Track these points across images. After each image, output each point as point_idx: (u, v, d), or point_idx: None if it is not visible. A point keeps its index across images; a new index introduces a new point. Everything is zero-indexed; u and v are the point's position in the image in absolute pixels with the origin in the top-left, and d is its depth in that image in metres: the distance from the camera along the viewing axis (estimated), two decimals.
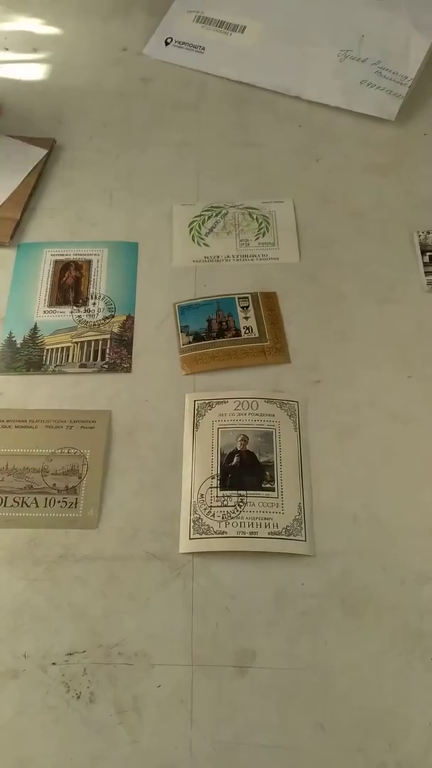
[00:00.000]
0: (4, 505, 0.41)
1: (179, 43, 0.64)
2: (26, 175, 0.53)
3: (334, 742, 0.34)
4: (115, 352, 0.47)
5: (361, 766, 0.34)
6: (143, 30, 0.66)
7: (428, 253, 0.51)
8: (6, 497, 0.41)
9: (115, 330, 0.48)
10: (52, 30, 0.67)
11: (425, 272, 0.50)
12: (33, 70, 0.64)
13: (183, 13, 0.65)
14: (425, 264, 0.50)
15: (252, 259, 0.51)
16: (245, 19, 0.63)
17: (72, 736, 0.35)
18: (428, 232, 0.52)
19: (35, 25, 0.67)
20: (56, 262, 0.51)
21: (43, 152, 0.54)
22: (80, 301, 0.49)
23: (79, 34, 0.66)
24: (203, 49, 0.63)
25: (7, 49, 0.65)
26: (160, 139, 0.58)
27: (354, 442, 0.43)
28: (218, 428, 0.43)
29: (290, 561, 0.39)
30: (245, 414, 0.44)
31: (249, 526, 0.40)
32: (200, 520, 0.40)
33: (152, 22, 0.66)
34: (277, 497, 0.41)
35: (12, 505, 0.41)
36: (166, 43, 0.64)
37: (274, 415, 0.44)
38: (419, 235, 0.52)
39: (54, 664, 0.36)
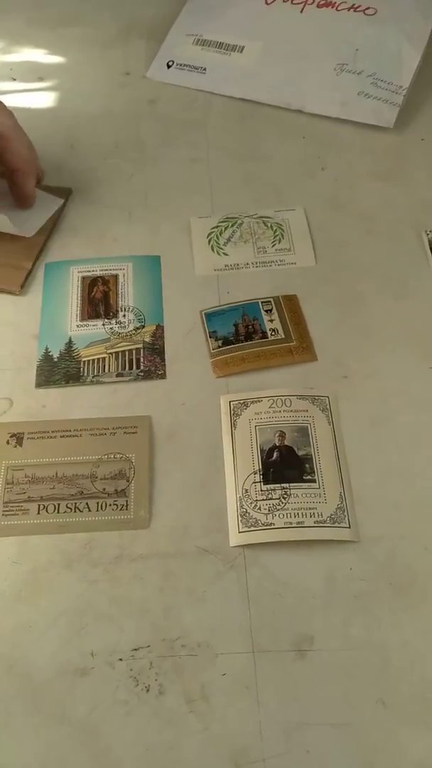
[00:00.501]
0: (58, 512, 0.42)
1: (180, 65, 0.67)
2: (42, 225, 0.54)
3: (396, 716, 0.36)
4: (149, 360, 0.49)
5: (424, 737, 0.35)
6: (144, 55, 0.69)
7: None
8: (59, 504, 0.42)
9: (147, 339, 0.50)
10: (56, 59, 0.69)
11: None
12: (41, 98, 0.66)
13: (182, 37, 0.68)
14: None
15: (270, 265, 0.54)
16: (243, 39, 0.66)
17: (145, 727, 0.36)
18: None
19: (39, 55, 0.70)
20: (83, 278, 0.53)
21: (60, 201, 0.56)
22: (111, 314, 0.51)
23: (82, 61, 0.69)
24: (204, 69, 0.66)
25: (14, 79, 0.68)
26: (171, 157, 0.60)
27: (385, 431, 0.45)
28: (255, 426, 0.45)
29: (337, 547, 0.41)
30: (280, 411, 0.46)
31: (295, 517, 0.41)
32: (247, 514, 0.42)
33: (152, 48, 0.69)
34: (319, 488, 0.42)
35: (65, 512, 0.42)
36: (168, 66, 0.67)
37: (307, 410, 0.46)
38: (427, 234, 0.55)
39: (121, 660, 0.38)
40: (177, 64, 0.67)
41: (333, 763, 0.35)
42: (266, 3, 0.68)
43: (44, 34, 0.72)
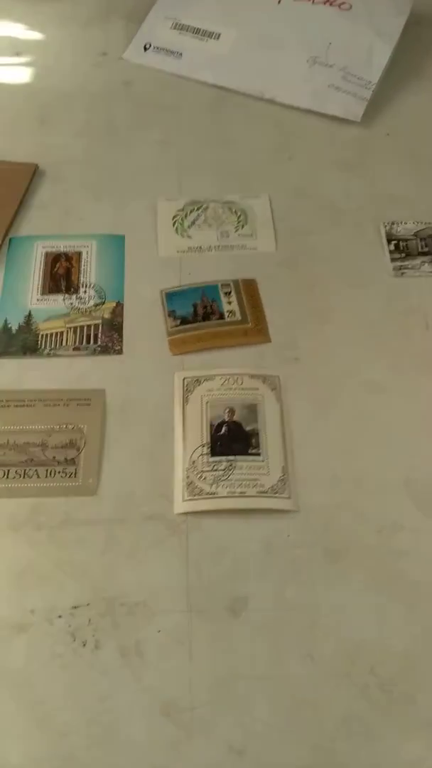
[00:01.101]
0: (7, 477, 0.43)
1: (157, 48, 0.68)
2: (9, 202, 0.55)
3: (322, 669, 0.38)
4: (106, 336, 0.50)
5: (347, 688, 0.38)
6: (122, 36, 0.70)
7: (393, 242, 0.55)
8: (8, 470, 0.44)
9: (106, 316, 0.51)
10: (35, 35, 0.70)
11: (391, 259, 0.55)
12: (16, 73, 0.67)
13: (161, 20, 0.69)
14: (391, 252, 0.55)
15: (232, 249, 0.55)
16: (220, 26, 0.67)
17: (80, 679, 0.38)
18: (392, 223, 0.56)
19: (18, 30, 0.70)
20: (47, 253, 0.54)
21: (26, 180, 0.56)
22: (72, 289, 0.52)
23: (60, 39, 0.70)
24: (181, 54, 0.67)
25: None
26: (142, 139, 0.62)
27: (331, 411, 0.47)
28: (207, 402, 0.47)
29: (276, 516, 0.43)
30: (231, 389, 0.47)
31: (238, 487, 0.43)
32: (193, 484, 0.43)
33: (131, 29, 0.70)
34: (263, 461, 0.44)
35: (14, 477, 0.43)
36: (145, 49, 0.68)
37: (258, 388, 0.47)
38: (385, 226, 0.56)
39: (60, 617, 0.39)
40: (154, 47, 0.68)
41: (258, 712, 0.37)
42: None
43: (24, 9, 0.72)
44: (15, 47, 0.69)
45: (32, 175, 0.58)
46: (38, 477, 0.43)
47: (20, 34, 0.70)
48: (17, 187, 0.56)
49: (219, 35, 0.67)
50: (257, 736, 0.37)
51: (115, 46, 0.69)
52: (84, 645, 0.38)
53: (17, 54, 0.68)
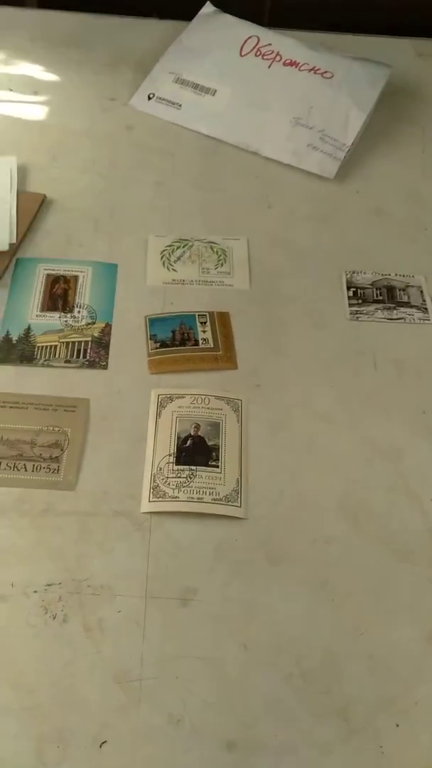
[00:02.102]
0: None
1: (160, 98, 0.76)
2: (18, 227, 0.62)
3: (254, 657, 0.45)
4: (95, 352, 0.57)
5: (273, 674, 0.44)
6: (129, 84, 0.77)
7: (352, 289, 0.63)
8: (0, 462, 0.50)
9: (96, 334, 0.58)
10: (51, 77, 0.78)
11: (349, 304, 0.62)
12: (33, 110, 0.74)
13: (164, 73, 0.77)
14: (349, 298, 0.63)
15: (211, 284, 0.63)
16: (217, 84, 0.75)
17: (48, 647, 0.44)
18: (353, 272, 0.64)
19: (36, 71, 0.78)
20: (48, 275, 0.61)
21: (35, 209, 0.63)
22: (67, 308, 0.59)
23: (74, 82, 0.78)
24: (180, 105, 0.75)
25: (11, 90, 0.76)
26: (140, 179, 0.69)
27: (284, 435, 0.54)
28: (176, 417, 0.54)
29: (228, 522, 0.50)
30: (199, 407, 0.54)
31: (197, 493, 0.50)
32: (158, 487, 0.50)
33: (138, 79, 0.78)
34: (221, 472, 0.51)
35: (5, 469, 0.50)
36: (149, 98, 0.76)
37: (221, 409, 0.54)
38: (346, 274, 0.64)
39: (35, 592, 0.45)
40: (157, 98, 0.76)
41: (196, 687, 0.43)
42: (240, 54, 0.77)
43: (44, 52, 0.80)
44: (33, 86, 0.76)
45: (40, 204, 0.65)
46: (26, 470, 0.50)
47: (39, 75, 0.78)
48: (27, 214, 0.63)
49: (215, 92, 0.75)
50: (194, 709, 0.43)
51: (122, 92, 0.77)
52: (54, 618, 0.45)
53: (35, 93, 0.76)
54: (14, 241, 0.61)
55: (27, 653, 0.44)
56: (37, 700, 0.42)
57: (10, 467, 0.50)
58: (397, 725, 0.42)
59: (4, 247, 0.60)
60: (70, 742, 0.41)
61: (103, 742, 0.41)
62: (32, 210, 0.64)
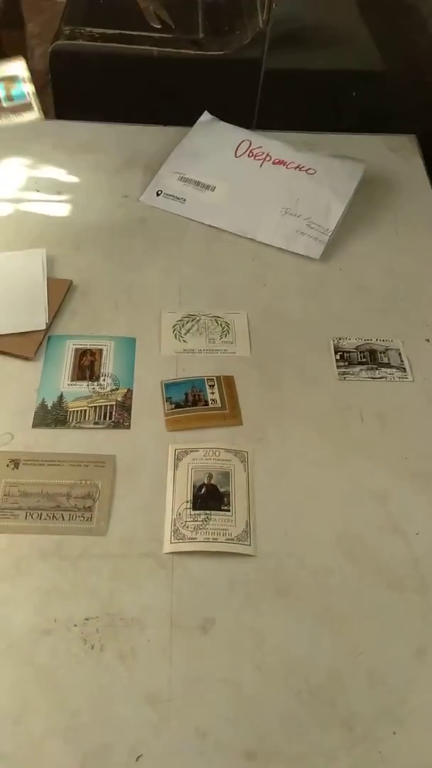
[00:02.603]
0: (40, 519, 0.58)
1: (167, 194, 0.88)
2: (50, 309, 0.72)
3: (267, 677, 0.51)
4: (119, 414, 0.66)
5: (284, 691, 0.50)
6: (140, 183, 0.90)
7: (339, 353, 0.73)
8: (41, 513, 0.58)
9: (119, 399, 0.67)
10: (72, 179, 0.90)
11: (337, 366, 0.72)
12: (58, 208, 0.86)
13: (170, 173, 0.90)
14: (337, 360, 0.72)
15: (217, 352, 0.72)
16: (215, 181, 0.88)
17: (88, 673, 0.50)
18: (339, 339, 0.74)
19: (59, 174, 0.91)
20: (76, 349, 0.71)
21: (63, 293, 0.74)
22: (94, 377, 0.68)
23: (92, 183, 0.90)
24: (185, 200, 0.87)
25: (38, 191, 0.88)
26: (152, 264, 0.80)
27: (285, 481, 0.62)
28: (192, 468, 0.62)
29: (240, 559, 0.57)
30: (210, 459, 0.63)
31: (212, 535, 0.58)
32: (178, 530, 0.58)
33: (146, 178, 0.90)
34: (232, 515, 0.59)
35: (45, 519, 0.58)
36: (157, 194, 0.88)
37: (230, 460, 0.63)
38: (333, 340, 0.74)
39: (75, 625, 0.52)
40: (164, 194, 0.88)
41: (218, 706, 0.50)
42: (235, 156, 0.90)
43: (65, 158, 0.93)
44: (57, 187, 0.89)
45: (68, 288, 0.75)
46: (63, 519, 0.58)
47: (61, 177, 0.90)
48: (57, 297, 0.74)
49: (215, 188, 0.88)
50: (216, 724, 0.49)
51: (133, 190, 0.89)
52: (92, 648, 0.51)
53: (58, 192, 0.88)
54: (48, 320, 0.71)
55: (71, 679, 0.50)
56: (80, 721, 0.48)
57: (50, 517, 0.58)
58: (394, 732, 0.49)
59: (42, 326, 0.70)
60: (110, 758, 0.47)
61: (139, 756, 0.47)
62: (61, 294, 0.74)
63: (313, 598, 0.55)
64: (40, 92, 1.29)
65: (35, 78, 1.09)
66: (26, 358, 0.69)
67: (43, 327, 0.70)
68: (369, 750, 0.48)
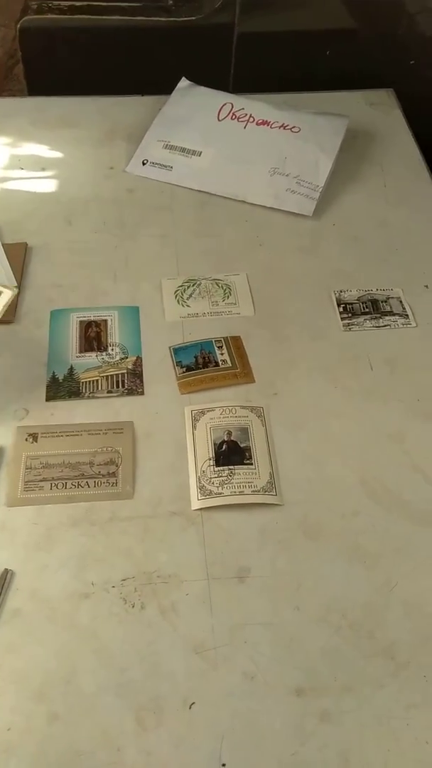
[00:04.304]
0: (65, 488, 0.58)
1: (153, 163, 0.87)
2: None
3: (306, 617, 0.52)
4: (131, 382, 0.66)
5: (324, 629, 0.52)
6: (124, 154, 0.89)
7: (342, 305, 0.73)
8: (66, 482, 0.58)
9: (129, 366, 0.67)
10: (55, 154, 0.89)
11: (341, 318, 0.72)
12: (44, 185, 0.85)
13: (154, 141, 0.89)
14: (340, 313, 0.73)
15: (221, 315, 0.72)
16: (201, 146, 0.87)
17: (132, 631, 0.51)
18: (341, 291, 0.75)
19: (42, 150, 0.89)
20: (80, 321, 0.70)
21: (22, 255, 0.74)
22: (102, 348, 0.68)
23: (76, 156, 0.89)
24: (171, 167, 0.86)
25: (22, 168, 0.87)
26: (145, 233, 0.80)
27: (303, 432, 0.63)
28: (210, 427, 0.62)
29: (267, 509, 0.58)
30: (227, 417, 0.63)
31: (238, 488, 0.58)
32: (204, 487, 0.58)
33: (131, 148, 0.89)
34: (255, 469, 0.60)
35: (71, 488, 0.58)
36: (143, 164, 0.87)
37: (247, 416, 0.63)
38: (335, 293, 0.75)
39: (113, 587, 0.53)
40: (150, 162, 0.87)
41: (262, 648, 0.51)
42: (218, 119, 0.89)
43: (45, 134, 0.91)
44: (41, 164, 0.87)
45: (25, 251, 0.75)
46: (89, 486, 0.58)
47: (44, 153, 0.89)
48: (17, 262, 0.74)
49: (201, 153, 0.87)
50: (263, 665, 0.50)
51: (119, 161, 0.88)
52: (133, 606, 0.52)
53: (42, 169, 0.87)
54: (16, 284, 0.72)
55: (114, 638, 0.51)
56: (129, 677, 0.49)
57: (75, 485, 0.58)
58: None
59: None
60: (163, 708, 0.48)
61: (192, 704, 0.48)
62: (20, 257, 0.74)
63: (342, 539, 0.56)
64: (4, 77, 1.27)
65: None
66: (7, 322, 0.69)
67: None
68: (414, 675, 0.49)
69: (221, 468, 0.60)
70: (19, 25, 1.00)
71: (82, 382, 0.65)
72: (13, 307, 0.69)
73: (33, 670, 0.49)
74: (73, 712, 0.48)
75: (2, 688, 0.48)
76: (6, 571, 0.53)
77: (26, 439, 0.60)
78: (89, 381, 0.65)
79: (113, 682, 0.49)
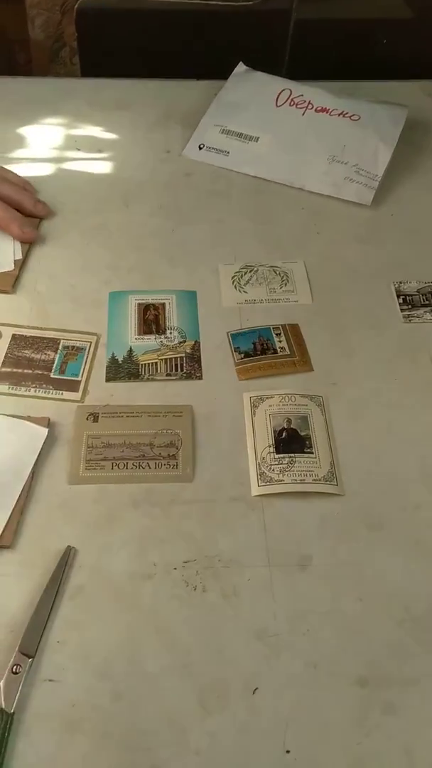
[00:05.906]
0: (126, 468, 0.58)
1: (209, 148, 0.86)
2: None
3: (369, 608, 0.52)
4: (189, 366, 0.65)
5: (387, 620, 0.51)
6: (180, 138, 0.88)
7: (401, 297, 0.72)
8: (127, 462, 0.58)
9: (188, 351, 0.67)
10: (111, 136, 0.89)
11: (401, 309, 0.71)
12: (101, 166, 0.85)
13: (211, 126, 0.88)
14: (400, 304, 0.72)
15: (279, 302, 0.72)
16: (258, 132, 0.86)
17: (194, 613, 0.51)
18: (400, 282, 0.73)
19: (98, 132, 0.89)
20: (139, 304, 0.70)
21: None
22: (160, 331, 0.68)
23: (132, 139, 0.88)
24: (228, 153, 0.86)
25: (79, 150, 0.86)
26: (203, 218, 0.79)
27: (362, 422, 0.62)
28: (269, 414, 0.62)
29: (328, 498, 0.57)
30: (287, 405, 0.63)
31: (299, 476, 0.58)
32: (264, 474, 0.58)
33: (186, 133, 0.88)
34: (316, 457, 0.59)
35: (132, 468, 0.58)
36: (200, 148, 0.87)
37: (307, 405, 0.63)
38: (394, 284, 0.73)
39: (175, 569, 0.53)
40: (207, 147, 0.86)
41: (322, 636, 0.50)
42: (276, 105, 0.88)
43: (101, 115, 0.91)
44: (98, 145, 0.87)
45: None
46: (149, 468, 0.58)
47: (100, 135, 0.88)
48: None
49: (258, 138, 0.86)
50: (325, 655, 0.50)
51: (174, 145, 0.87)
52: (195, 589, 0.52)
53: (99, 151, 0.86)
54: (21, 256, 0.72)
55: (177, 620, 0.50)
56: (193, 659, 0.49)
57: (136, 466, 0.58)
58: None
59: (11, 266, 0.71)
60: (227, 692, 0.48)
61: (255, 689, 0.48)
62: None
63: (404, 531, 0.56)
64: (50, 60, 1.27)
65: (37, 49, 1.08)
66: (5, 292, 0.69)
67: (11, 267, 0.71)
68: None
69: (282, 455, 0.59)
70: (75, 7, 1.00)
71: (142, 365, 0.65)
72: (12, 278, 0.70)
73: (96, 648, 0.49)
74: (137, 691, 0.48)
75: (67, 663, 0.48)
76: (69, 548, 0.53)
77: (87, 419, 0.60)
78: (148, 363, 0.65)
79: (177, 663, 0.49)
